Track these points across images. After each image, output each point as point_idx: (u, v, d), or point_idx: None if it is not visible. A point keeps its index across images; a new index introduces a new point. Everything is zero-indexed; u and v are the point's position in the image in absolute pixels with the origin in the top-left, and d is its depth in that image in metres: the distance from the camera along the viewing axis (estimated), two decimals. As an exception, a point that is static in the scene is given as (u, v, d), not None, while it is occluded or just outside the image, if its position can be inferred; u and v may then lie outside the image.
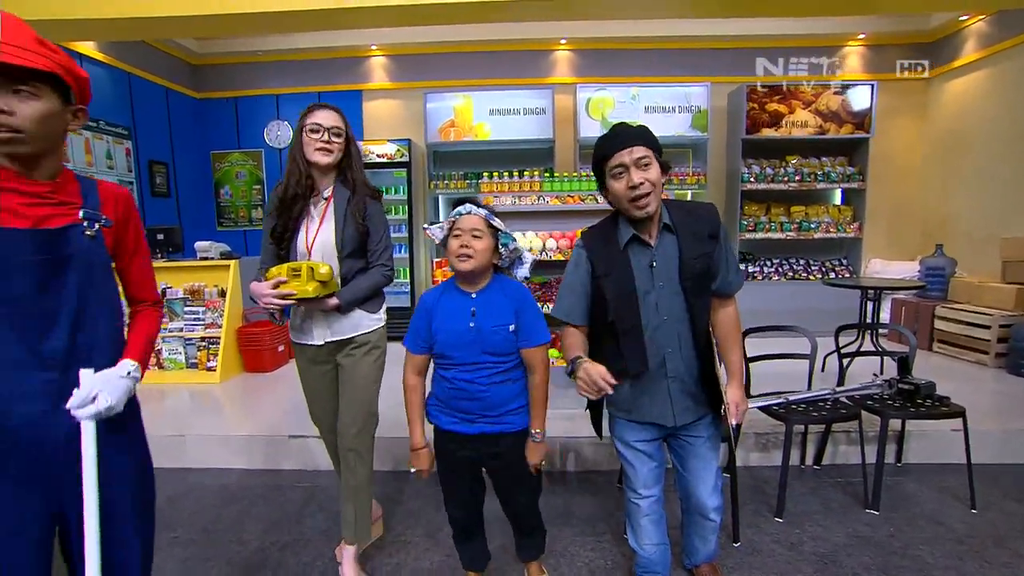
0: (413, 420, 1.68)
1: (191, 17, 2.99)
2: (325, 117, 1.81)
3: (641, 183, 1.45)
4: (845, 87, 5.29)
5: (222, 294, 4.18)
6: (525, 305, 1.59)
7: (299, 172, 1.83)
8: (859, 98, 5.26)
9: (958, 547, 2.17)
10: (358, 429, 1.95)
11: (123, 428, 1.23)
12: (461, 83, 5.66)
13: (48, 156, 1.13)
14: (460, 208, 1.62)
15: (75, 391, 1.08)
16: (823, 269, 5.48)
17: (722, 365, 1.72)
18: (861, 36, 5.52)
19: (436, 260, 5.15)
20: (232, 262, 4.27)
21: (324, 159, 1.80)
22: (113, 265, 1.24)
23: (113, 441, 1.19)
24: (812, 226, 5.38)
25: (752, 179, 5.31)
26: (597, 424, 1.84)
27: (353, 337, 1.94)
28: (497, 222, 1.61)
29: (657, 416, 1.64)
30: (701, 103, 5.25)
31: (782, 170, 5.38)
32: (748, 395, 2.44)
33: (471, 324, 1.55)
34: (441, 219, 5.44)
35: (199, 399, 3.67)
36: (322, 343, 1.92)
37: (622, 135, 1.52)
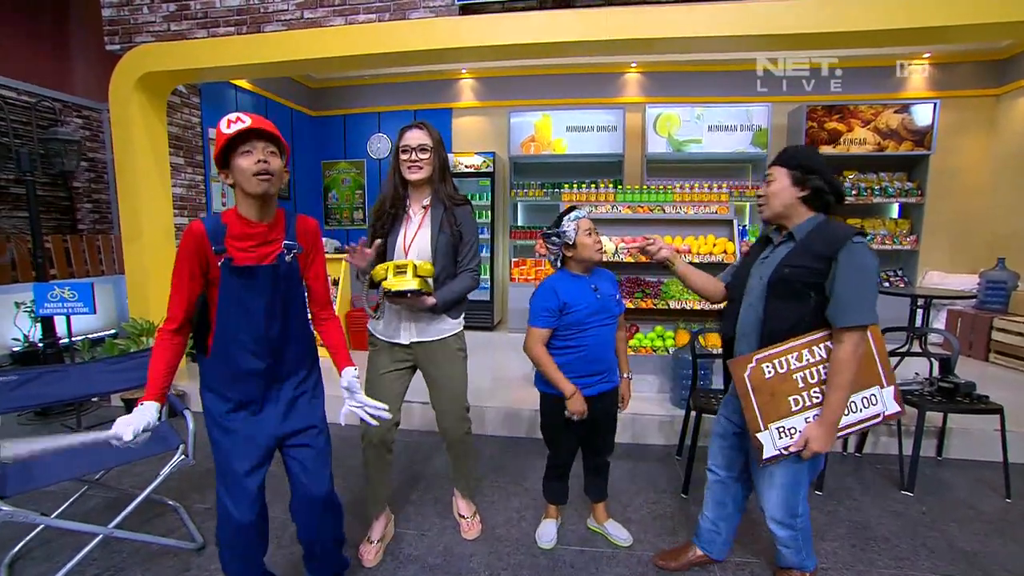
0: (558, 378, 1.91)
1: (319, 59, 3.46)
2: (412, 137, 1.90)
3: (762, 195, 1.74)
4: (906, 106, 5.24)
5: (335, 283, 4.75)
6: (617, 285, 2.09)
7: (390, 190, 1.98)
8: (921, 116, 5.20)
9: (986, 527, 2.29)
10: (459, 421, 2.12)
11: (317, 393, 1.75)
12: (541, 102, 6.00)
13: (272, 200, 1.53)
14: (578, 212, 1.99)
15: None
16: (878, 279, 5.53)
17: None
18: (927, 55, 5.44)
19: (514, 260, 5.71)
20: (344, 256, 4.78)
21: (413, 176, 1.91)
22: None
23: (312, 397, 1.71)
24: (868, 238, 5.44)
25: (810, 192, 5.46)
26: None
27: (437, 340, 2.02)
28: None
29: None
30: (761, 122, 5.37)
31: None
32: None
33: (597, 296, 1.98)
34: (520, 222, 5.95)
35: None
36: (409, 343, 2.00)
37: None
